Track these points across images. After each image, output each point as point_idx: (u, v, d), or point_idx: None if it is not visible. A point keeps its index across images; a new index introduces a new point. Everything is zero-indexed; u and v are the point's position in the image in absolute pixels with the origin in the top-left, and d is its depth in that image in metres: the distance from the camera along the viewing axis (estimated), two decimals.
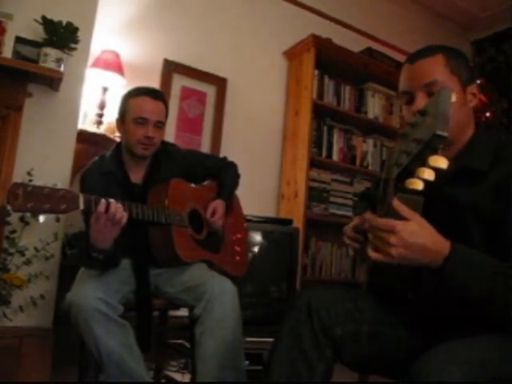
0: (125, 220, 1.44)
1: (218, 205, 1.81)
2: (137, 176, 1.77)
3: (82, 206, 1.37)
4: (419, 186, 0.76)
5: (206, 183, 1.96)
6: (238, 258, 1.96)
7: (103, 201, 1.40)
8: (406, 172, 0.78)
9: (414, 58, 1.11)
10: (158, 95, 1.76)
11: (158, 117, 1.72)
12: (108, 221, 1.41)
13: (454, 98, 0.75)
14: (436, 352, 0.84)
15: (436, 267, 0.88)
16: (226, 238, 1.90)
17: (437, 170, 0.75)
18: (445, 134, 0.71)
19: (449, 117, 0.72)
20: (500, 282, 0.87)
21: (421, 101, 1.05)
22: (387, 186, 0.83)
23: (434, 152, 0.75)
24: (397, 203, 0.84)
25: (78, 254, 2.04)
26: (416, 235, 0.85)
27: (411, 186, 0.77)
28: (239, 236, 2.00)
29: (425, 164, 0.75)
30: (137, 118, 1.69)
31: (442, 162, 0.74)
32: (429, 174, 0.75)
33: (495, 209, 0.98)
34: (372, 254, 0.88)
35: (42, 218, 1.30)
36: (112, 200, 1.42)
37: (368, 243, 0.91)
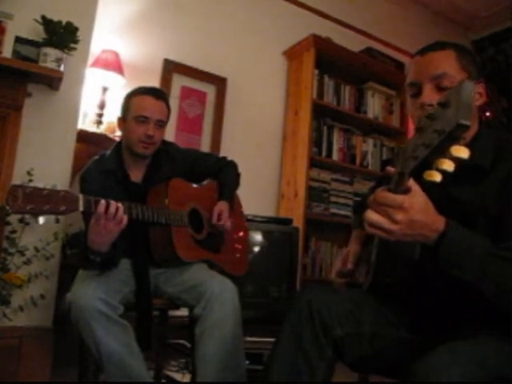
0: (125, 222, 1.44)
1: (223, 207, 1.81)
2: (137, 175, 1.77)
3: (81, 207, 1.37)
4: (437, 177, 0.75)
5: (205, 183, 1.96)
6: (238, 257, 1.96)
7: (103, 201, 1.39)
8: (422, 166, 0.77)
9: (424, 50, 1.10)
10: (160, 94, 1.78)
11: (159, 116, 1.73)
12: (108, 221, 1.40)
13: (474, 93, 0.74)
14: (437, 353, 0.84)
15: (430, 243, 0.88)
16: (226, 237, 1.90)
17: (457, 161, 0.74)
18: (468, 123, 0.70)
19: (472, 107, 0.72)
20: (492, 261, 0.87)
21: (428, 93, 1.04)
22: (402, 179, 0.82)
23: (456, 142, 0.74)
24: (412, 182, 0.83)
25: (77, 255, 2.04)
26: (421, 212, 0.84)
27: (429, 178, 0.76)
28: (240, 235, 2.00)
29: (445, 155, 0.75)
30: (138, 117, 1.70)
31: (464, 152, 0.74)
32: (448, 165, 0.74)
33: (499, 206, 0.98)
34: (370, 230, 0.85)
35: (41, 220, 1.29)
36: (112, 201, 1.41)
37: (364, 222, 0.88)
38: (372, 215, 0.84)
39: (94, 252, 1.46)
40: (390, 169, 0.89)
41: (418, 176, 0.80)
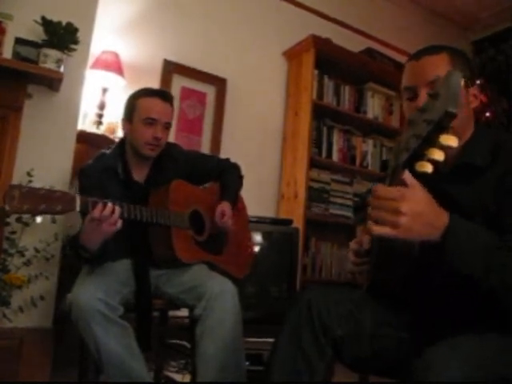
0: (119, 225, 1.44)
1: (226, 207, 1.80)
2: (139, 175, 1.77)
3: (78, 208, 1.38)
4: (429, 168, 0.76)
5: (207, 185, 1.96)
6: (241, 259, 1.95)
7: (100, 204, 1.40)
8: (415, 157, 0.77)
9: (418, 55, 1.11)
10: (168, 97, 1.78)
11: (167, 118, 1.74)
12: (101, 223, 1.40)
13: (462, 82, 0.75)
14: (435, 352, 0.84)
15: (435, 238, 0.85)
16: (229, 239, 1.90)
17: (447, 150, 0.75)
18: (455, 110, 0.71)
19: (459, 96, 0.73)
20: (498, 254, 0.86)
21: (424, 97, 1.05)
22: (396, 172, 0.82)
23: (444, 131, 0.74)
24: (407, 175, 0.82)
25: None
26: (423, 204, 0.82)
27: (421, 169, 0.76)
28: (243, 237, 1.99)
29: (434, 145, 0.75)
30: (146, 119, 1.70)
31: (452, 141, 0.74)
32: (438, 155, 0.75)
33: (496, 205, 0.98)
34: (375, 229, 0.82)
35: (39, 219, 1.31)
36: (109, 203, 1.42)
37: (369, 220, 0.85)
38: (376, 211, 0.82)
39: (84, 248, 1.48)
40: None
41: (412, 173, 0.81)
